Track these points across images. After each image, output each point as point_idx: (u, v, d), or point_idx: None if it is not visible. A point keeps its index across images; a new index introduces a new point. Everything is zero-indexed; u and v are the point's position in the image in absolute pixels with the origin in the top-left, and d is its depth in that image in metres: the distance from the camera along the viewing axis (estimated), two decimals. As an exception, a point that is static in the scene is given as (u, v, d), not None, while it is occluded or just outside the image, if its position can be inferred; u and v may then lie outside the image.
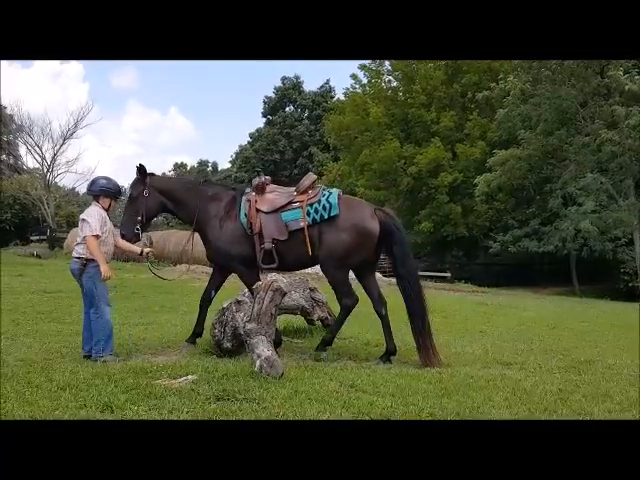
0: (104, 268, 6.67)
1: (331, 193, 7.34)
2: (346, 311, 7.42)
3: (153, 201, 7.47)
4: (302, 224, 7.18)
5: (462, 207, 34.71)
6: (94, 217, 6.76)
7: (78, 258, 6.75)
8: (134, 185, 7.55)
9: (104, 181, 7.05)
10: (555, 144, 28.72)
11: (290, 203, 7.32)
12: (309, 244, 7.17)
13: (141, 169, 7.47)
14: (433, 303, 15.46)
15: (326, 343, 7.42)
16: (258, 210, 7.29)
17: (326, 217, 7.18)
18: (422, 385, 5.95)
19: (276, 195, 7.46)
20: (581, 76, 27.50)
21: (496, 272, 36.15)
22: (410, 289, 7.38)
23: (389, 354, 7.39)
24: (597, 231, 25.66)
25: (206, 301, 7.63)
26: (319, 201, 7.25)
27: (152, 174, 7.63)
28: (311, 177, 7.60)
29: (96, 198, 6.99)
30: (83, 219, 6.77)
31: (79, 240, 6.80)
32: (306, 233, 7.16)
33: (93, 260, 6.68)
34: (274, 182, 7.78)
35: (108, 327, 6.74)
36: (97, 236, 6.70)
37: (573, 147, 27.66)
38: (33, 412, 4.50)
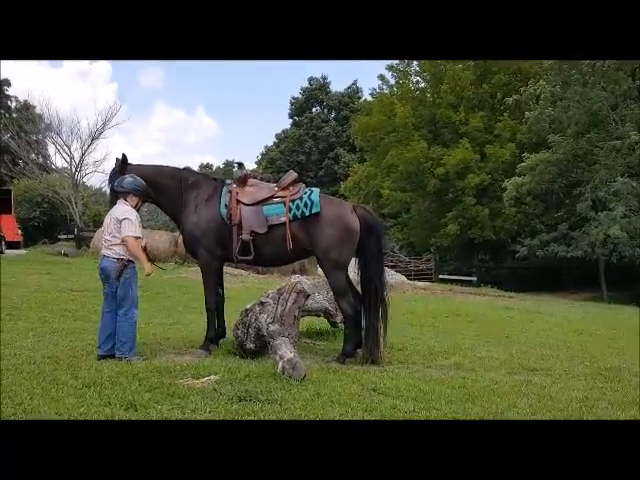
0: (148, 266, 6.73)
1: (312, 191, 7.36)
2: (350, 320, 7.37)
3: None
4: (283, 219, 7.20)
5: (490, 210, 34.45)
6: (135, 217, 6.76)
7: (117, 259, 6.66)
8: (113, 176, 7.46)
9: (131, 179, 6.95)
10: (585, 147, 28.40)
11: (272, 197, 7.34)
12: (290, 240, 7.17)
13: (123, 159, 7.42)
14: (458, 307, 15.50)
15: (347, 355, 7.30)
16: (239, 202, 7.31)
17: (307, 214, 7.19)
18: (445, 390, 5.90)
19: (257, 189, 7.49)
20: (612, 78, 27.18)
21: (523, 276, 35.83)
22: (377, 292, 7.34)
23: (345, 356, 7.28)
24: (627, 236, 25.32)
25: (219, 301, 7.65)
26: (301, 198, 7.26)
27: (130, 164, 7.51)
28: (293, 174, 7.62)
29: (124, 196, 6.89)
30: (125, 218, 6.67)
31: (115, 241, 6.69)
32: (287, 228, 7.17)
33: (132, 261, 6.72)
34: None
35: (135, 329, 6.79)
36: (138, 237, 6.73)
37: (603, 150, 27.30)
38: (59, 409, 4.55)
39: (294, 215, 7.19)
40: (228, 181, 7.63)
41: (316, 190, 7.43)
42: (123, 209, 6.81)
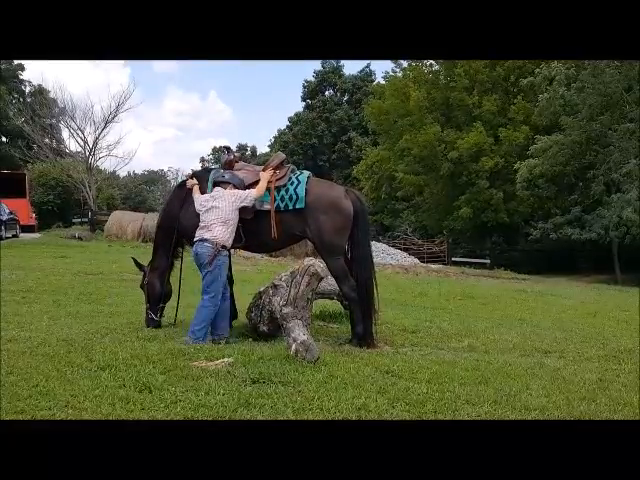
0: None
1: (300, 182, 7.16)
2: (353, 302, 7.27)
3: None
4: (267, 207, 7.09)
5: (503, 193, 34.30)
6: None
7: (213, 243, 6.80)
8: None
9: (231, 175, 7.22)
10: (598, 130, 28.15)
11: (257, 182, 7.18)
12: (276, 227, 7.08)
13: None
14: (471, 290, 15.49)
15: (359, 337, 7.28)
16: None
17: (290, 208, 7.06)
18: (459, 372, 5.90)
19: (244, 173, 7.39)
20: (626, 60, 26.85)
21: (536, 259, 35.76)
22: (363, 274, 7.26)
23: (357, 338, 7.22)
24: (640, 219, 25.17)
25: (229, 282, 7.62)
26: (287, 189, 7.12)
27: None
28: (280, 156, 7.52)
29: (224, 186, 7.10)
30: (241, 191, 7.05)
31: (219, 226, 6.86)
32: (272, 217, 7.07)
33: (225, 247, 6.89)
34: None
35: (211, 316, 6.89)
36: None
37: (617, 133, 27.06)
38: (74, 391, 4.58)
39: (277, 206, 7.08)
40: (214, 166, 7.58)
41: (303, 180, 7.22)
42: (229, 191, 7.01)
